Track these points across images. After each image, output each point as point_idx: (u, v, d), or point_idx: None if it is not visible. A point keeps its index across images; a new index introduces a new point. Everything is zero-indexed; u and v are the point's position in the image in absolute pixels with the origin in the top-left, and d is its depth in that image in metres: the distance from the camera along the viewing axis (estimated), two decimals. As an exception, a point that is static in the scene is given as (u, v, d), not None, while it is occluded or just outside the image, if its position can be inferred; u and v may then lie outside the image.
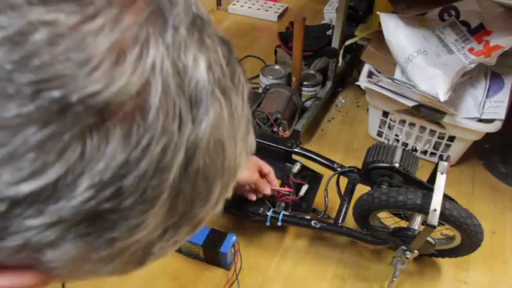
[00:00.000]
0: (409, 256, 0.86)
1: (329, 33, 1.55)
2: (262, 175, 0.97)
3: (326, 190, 0.98)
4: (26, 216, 0.19)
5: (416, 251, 0.86)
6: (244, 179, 0.91)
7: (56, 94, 0.18)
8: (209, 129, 0.22)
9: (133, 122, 0.20)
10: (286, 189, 1.00)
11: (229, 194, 0.28)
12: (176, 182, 0.22)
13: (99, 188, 0.20)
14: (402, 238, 0.88)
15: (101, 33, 0.19)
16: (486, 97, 1.17)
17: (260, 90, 1.38)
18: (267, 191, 0.96)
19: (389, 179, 0.92)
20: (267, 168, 0.97)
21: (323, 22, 1.74)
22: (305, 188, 1.03)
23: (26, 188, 0.18)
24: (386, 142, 1.33)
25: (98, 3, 0.19)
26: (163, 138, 0.20)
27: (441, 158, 0.91)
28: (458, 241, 0.90)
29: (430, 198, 0.80)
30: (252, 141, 0.29)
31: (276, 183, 0.99)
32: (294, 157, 1.05)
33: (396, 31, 1.15)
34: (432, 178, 0.87)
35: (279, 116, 1.22)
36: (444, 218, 0.82)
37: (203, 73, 0.22)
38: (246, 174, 0.91)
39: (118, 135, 0.19)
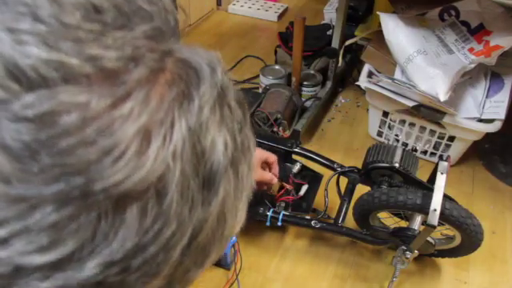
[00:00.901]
0: (409, 256, 0.86)
1: (329, 33, 1.55)
2: (268, 165, 0.97)
3: (326, 190, 0.99)
4: (32, 278, 0.19)
5: (416, 251, 0.86)
6: None
7: (79, 180, 0.18)
8: (216, 208, 0.23)
9: (148, 206, 0.20)
10: (288, 185, 1.00)
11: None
12: (179, 258, 0.23)
13: (108, 266, 0.20)
14: (402, 237, 0.88)
15: (130, 117, 0.19)
16: (486, 97, 1.17)
17: (260, 90, 1.38)
18: (274, 181, 0.94)
19: (389, 179, 0.92)
20: (273, 157, 0.96)
21: (323, 22, 1.74)
22: (305, 188, 1.03)
23: (36, 260, 0.19)
24: (385, 142, 1.33)
25: (129, 83, 0.19)
26: (174, 222, 0.21)
27: (441, 157, 0.91)
28: (458, 241, 0.90)
29: (430, 198, 0.80)
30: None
31: (277, 173, 0.98)
32: (294, 157, 1.05)
33: (396, 31, 1.15)
34: (432, 178, 0.87)
35: (279, 116, 1.22)
36: (444, 218, 0.82)
37: (219, 154, 0.22)
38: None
39: (133, 220, 0.19)
